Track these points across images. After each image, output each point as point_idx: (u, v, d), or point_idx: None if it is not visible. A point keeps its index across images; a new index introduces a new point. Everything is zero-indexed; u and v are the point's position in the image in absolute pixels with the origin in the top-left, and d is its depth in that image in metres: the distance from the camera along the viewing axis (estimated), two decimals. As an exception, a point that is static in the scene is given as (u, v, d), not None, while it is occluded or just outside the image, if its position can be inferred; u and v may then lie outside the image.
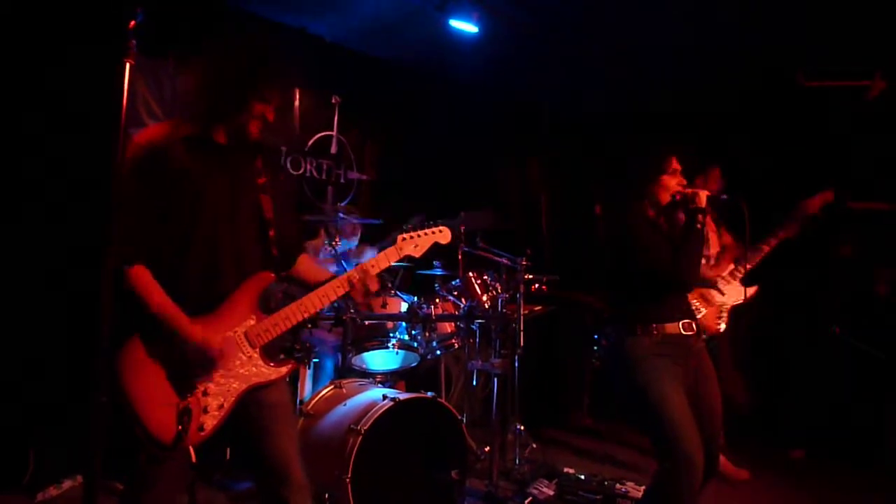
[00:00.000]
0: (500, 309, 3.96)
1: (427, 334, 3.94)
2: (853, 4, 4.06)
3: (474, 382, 4.54)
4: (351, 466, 2.64)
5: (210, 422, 1.87)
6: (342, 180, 5.21)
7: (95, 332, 1.55)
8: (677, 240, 2.54)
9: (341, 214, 3.93)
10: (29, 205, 3.50)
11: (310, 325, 3.60)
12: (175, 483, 1.96)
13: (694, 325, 2.58)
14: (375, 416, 2.76)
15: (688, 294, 2.71)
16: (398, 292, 3.96)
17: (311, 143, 4.99)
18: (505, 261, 4.14)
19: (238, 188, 1.99)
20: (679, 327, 2.53)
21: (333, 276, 2.12)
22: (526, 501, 3.46)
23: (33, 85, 3.51)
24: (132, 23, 1.62)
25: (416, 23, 4.71)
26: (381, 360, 4.05)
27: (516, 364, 3.98)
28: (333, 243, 3.89)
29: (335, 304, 3.21)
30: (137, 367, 1.81)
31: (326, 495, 2.71)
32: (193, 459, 1.88)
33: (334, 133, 4.90)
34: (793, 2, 4.14)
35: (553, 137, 6.67)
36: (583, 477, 3.58)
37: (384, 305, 3.88)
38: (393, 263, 2.18)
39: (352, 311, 3.39)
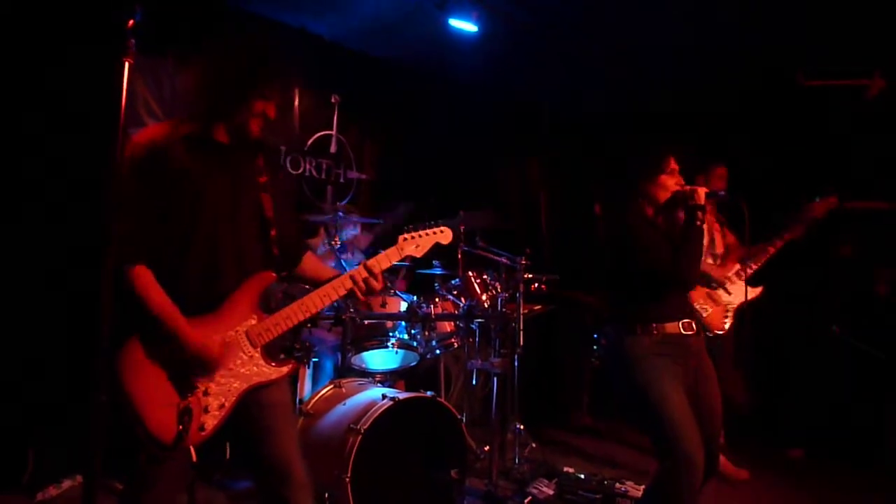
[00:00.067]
0: (499, 308, 3.96)
1: (426, 333, 3.94)
2: (853, 4, 4.06)
3: (474, 382, 4.55)
4: (350, 466, 2.64)
5: (211, 421, 1.86)
6: (342, 180, 5.20)
7: (95, 332, 1.55)
8: (677, 238, 2.54)
9: (341, 213, 3.93)
10: (29, 205, 3.50)
11: (309, 325, 3.60)
12: (175, 483, 1.96)
13: (694, 325, 2.58)
14: (375, 415, 2.76)
15: (688, 293, 2.72)
16: (398, 292, 3.96)
17: (310, 142, 4.99)
18: (504, 260, 4.14)
19: (239, 187, 1.99)
20: (679, 327, 2.53)
21: (337, 275, 2.12)
22: (525, 501, 3.46)
23: (33, 85, 3.51)
24: (131, 21, 1.62)
25: (415, 22, 4.71)
26: (380, 359, 4.05)
27: (516, 363, 3.98)
28: (333, 242, 3.89)
29: (335, 304, 3.21)
30: (138, 366, 1.81)
31: (326, 495, 2.71)
32: (194, 459, 1.88)
33: (334, 132, 4.90)
34: (793, 2, 4.14)
35: (553, 137, 6.67)
36: (582, 476, 3.58)
37: (384, 305, 3.88)
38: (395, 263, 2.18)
39: (351, 310, 3.39)
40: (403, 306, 3.86)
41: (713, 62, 5.04)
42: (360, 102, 5.16)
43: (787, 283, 4.33)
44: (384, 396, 2.89)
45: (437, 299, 4.05)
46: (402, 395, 2.93)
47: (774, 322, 4.89)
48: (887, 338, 4.38)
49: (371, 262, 2.10)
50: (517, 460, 3.95)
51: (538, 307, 4.47)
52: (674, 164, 2.62)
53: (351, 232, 4.35)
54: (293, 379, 3.89)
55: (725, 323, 3.70)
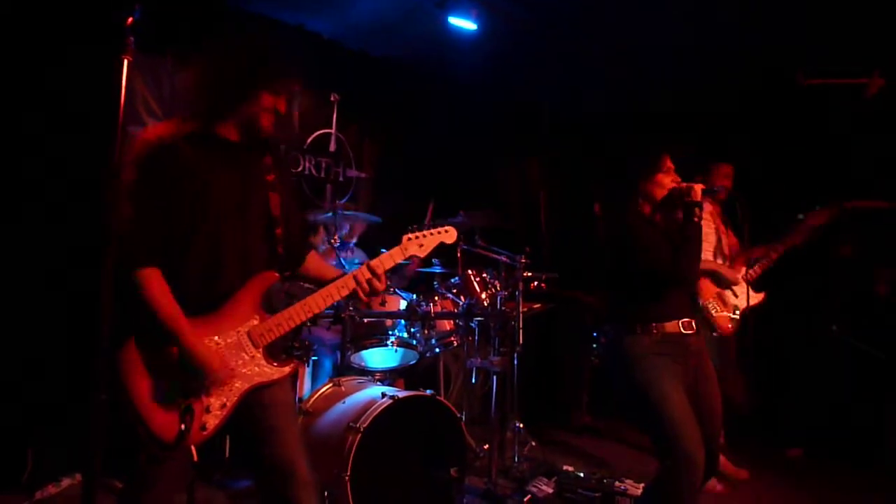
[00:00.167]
0: (499, 307, 3.96)
1: (426, 332, 3.94)
2: (853, 4, 4.06)
3: (473, 380, 4.55)
4: (350, 464, 2.64)
5: (212, 421, 1.86)
6: (341, 178, 5.20)
7: (95, 332, 1.55)
8: (676, 237, 2.55)
9: (340, 212, 3.93)
10: (29, 205, 3.50)
11: (308, 324, 3.60)
12: (175, 482, 1.96)
13: (694, 324, 2.58)
14: (374, 413, 2.76)
15: (688, 292, 2.72)
16: (397, 290, 3.96)
17: (309, 140, 4.99)
18: (504, 258, 4.14)
19: (248, 185, 1.98)
20: (679, 326, 2.53)
21: (340, 276, 2.11)
22: (525, 499, 3.47)
23: (33, 85, 3.51)
24: (129, 19, 1.62)
25: (414, 20, 4.71)
26: (379, 357, 4.05)
27: (515, 362, 3.97)
28: (332, 241, 3.90)
29: (335, 303, 3.21)
30: (139, 366, 1.80)
31: (326, 493, 2.71)
32: (195, 459, 1.87)
33: (333, 131, 4.89)
34: (793, 2, 4.14)
35: (553, 137, 6.66)
36: (582, 475, 3.58)
37: (383, 303, 3.87)
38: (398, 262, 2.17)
39: (351, 308, 3.39)
40: (403, 304, 3.87)
41: (713, 62, 5.04)
42: (360, 101, 5.15)
43: (788, 283, 4.34)
44: (384, 395, 2.89)
45: (436, 298, 4.05)
46: (402, 394, 2.93)
47: (774, 322, 4.89)
48: (887, 338, 4.38)
49: (374, 262, 2.09)
50: (516, 459, 3.95)
51: (538, 306, 4.48)
52: (669, 163, 2.63)
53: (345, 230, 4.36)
54: (293, 378, 3.91)
55: (732, 324, 3.74)
